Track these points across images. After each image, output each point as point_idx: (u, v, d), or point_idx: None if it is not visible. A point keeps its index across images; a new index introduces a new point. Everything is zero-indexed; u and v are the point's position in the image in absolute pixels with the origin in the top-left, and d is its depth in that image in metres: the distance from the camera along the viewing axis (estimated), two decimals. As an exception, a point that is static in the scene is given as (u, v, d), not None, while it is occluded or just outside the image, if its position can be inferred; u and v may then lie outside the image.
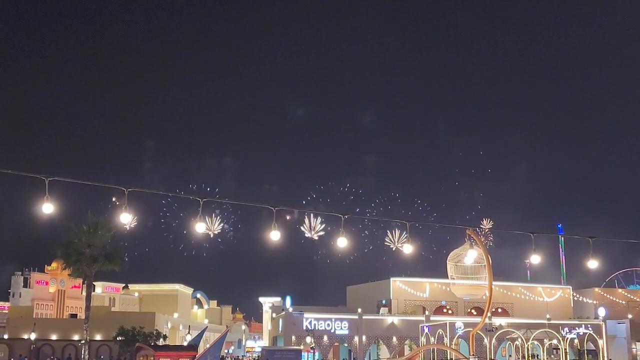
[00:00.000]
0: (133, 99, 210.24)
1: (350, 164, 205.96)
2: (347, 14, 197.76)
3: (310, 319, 63.55)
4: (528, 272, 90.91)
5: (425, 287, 74.45)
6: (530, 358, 59.64)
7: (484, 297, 71.47)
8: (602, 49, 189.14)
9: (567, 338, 60.82)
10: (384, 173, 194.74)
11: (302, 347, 59.82)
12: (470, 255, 50.31)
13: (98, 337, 63.42)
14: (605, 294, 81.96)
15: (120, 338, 56.83)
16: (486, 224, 71.54)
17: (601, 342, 63.72)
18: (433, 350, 58.47)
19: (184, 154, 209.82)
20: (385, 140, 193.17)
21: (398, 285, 73.85)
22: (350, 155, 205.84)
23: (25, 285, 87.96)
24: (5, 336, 65.41)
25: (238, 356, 79.20)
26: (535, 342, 60.75)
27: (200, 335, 47.07)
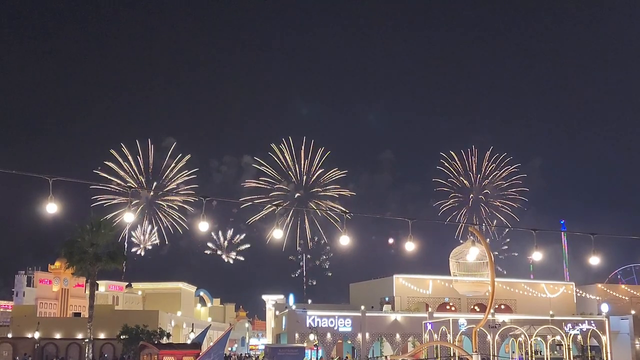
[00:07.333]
0: (138, 97, 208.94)
1: (364, 160, 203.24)
2: None
3: (314, 316, 63.63)
4: (531, 268, 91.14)
5: (428, 284, 74.50)
6: (533, 354, 59.70)
7: (486, 293, 71.57)
8: (611, 45, 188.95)
9: (570, 334, 60.88)
10: (398, 170, 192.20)
11: (305, 344, 59.95)
12: (473, 252, 50.40)
13: (102, 336, 63.60)
14: (608, 290, 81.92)
15: (124, 336, 56.91)
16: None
17: (604, 338, 63.74)
18: (436, 347, 58.54)
19: (197, 152, 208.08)
20: (396, 137, 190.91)
21: (401, 282, 73.90)
22: (364, 152, 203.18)
23: (28, 284, 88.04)
24: (10, 335, 65.59)
25: (242, 354, 79.25)
26: (539, 339, 60.81)
27: (203, 333, 47.05)
